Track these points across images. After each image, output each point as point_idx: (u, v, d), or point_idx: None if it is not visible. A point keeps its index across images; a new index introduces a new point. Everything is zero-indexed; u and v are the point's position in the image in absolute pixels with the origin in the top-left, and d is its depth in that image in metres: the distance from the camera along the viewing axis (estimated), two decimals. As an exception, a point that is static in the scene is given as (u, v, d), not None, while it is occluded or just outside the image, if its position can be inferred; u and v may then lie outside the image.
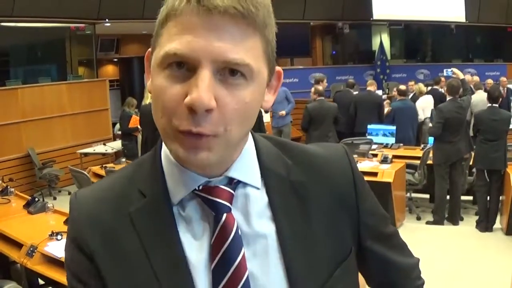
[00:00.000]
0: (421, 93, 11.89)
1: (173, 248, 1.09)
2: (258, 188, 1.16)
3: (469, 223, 8.42)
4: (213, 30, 0.96)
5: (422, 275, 1.44)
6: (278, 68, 1.14)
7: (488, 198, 8.09)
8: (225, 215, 1.10)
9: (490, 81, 13.19)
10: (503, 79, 13.80)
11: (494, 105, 7.95)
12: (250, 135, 1.18)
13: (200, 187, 1.10)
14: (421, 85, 12.31)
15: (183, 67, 0.98)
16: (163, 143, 1.16)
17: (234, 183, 1.13)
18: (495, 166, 7.88)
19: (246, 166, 1.15)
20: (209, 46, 0.96)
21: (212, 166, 1.06)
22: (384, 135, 10.17)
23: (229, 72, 0.99)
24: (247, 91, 1.01)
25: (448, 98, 8.38)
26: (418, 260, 1.44)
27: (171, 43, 0.98)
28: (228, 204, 1.11)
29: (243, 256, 1.09)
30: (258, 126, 9.47)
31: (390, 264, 1.35)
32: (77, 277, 1.16)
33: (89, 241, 1.12)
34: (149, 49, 1.10)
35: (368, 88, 11.71)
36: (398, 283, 1.39)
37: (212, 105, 0.96)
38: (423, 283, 1.44)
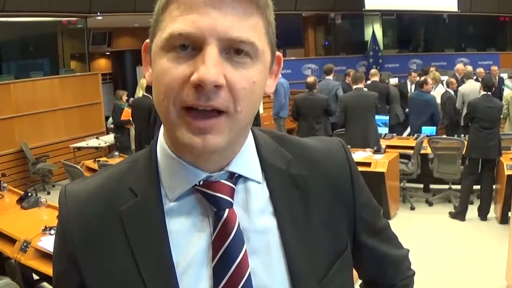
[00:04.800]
0: (436, 82, 11.72)
1: (161, 251, 1.07)
2: (259, 182, 1.15)
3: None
4: (218, 8, 0.96)
5: (417, 265, 1.44)
6: (278, 53, 1.12)
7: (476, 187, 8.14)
8: (227, 210, 1.08)
9: (481, 70, 13.17)
10: (494, 68, 13.81)
11: (488, 93, 7.97)
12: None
13: (201, 182, 1.08)
14: (436, 73, 12.04)
15: (188, 48, 0.97)
16: (159, 139, 1.15)
17: (235, 178, 1.11)
18: (490, 155, 7.89)
19: (247, 160, 1.13)
20: (215, 24, 0.95)
21: (219, 152, 1.03)
22: (377, 125, 10.14)
23: (234, 51, 0.98)
24: (253, 70, 1.00)
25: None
26: (408, 251, 1.45)
27: (175, 24, 0.97)
28: (229, 199, 1.09)
29: (245, 252, 1.08)
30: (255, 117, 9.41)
31: (383, 257, 1.35)
32: (60, 273, 1.17)
33: (75, 239, 1.11)
34: (147, 40, 1.08)
35: (373, 79, 11.43)
36: (389, 274, 1.39)
37: (221, 81, 0.95)
38: (413, 274, 1.44)
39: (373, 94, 9.07)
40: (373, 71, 11.96)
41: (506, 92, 10.38)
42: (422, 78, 10.76)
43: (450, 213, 8.24)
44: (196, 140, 0.97)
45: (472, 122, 8.00)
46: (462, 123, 9.01)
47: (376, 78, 11.42)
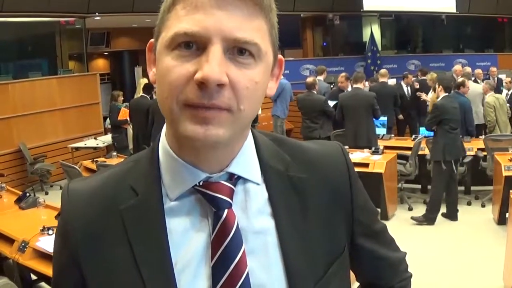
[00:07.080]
0: (434, 83, 11.66)
1: (161, 249, 1.08)
2: (258, 184, 1.16)
3: (460, 212, 8.40)
4: (223, 9, 0.97)
5: (415, 265, 1.45)
6: (280, 56, 1.14)
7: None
8: (226, 211, 1.09)
9: (479, 71, 13.16)
10: (493, 69, 13.83)
11: (449, 94, 8.05)
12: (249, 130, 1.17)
13: (201, 183, 1.09)
14: (433, 74, 11.92)
15: (192, 47, 0.98)
16: (161, 139, 1.16)
17: (234, 179, 1.12)
18: (459, 155, 8.01)
19: (247, 161, 1.14)
20: (220, 24, 0.97)
21: (220, 147, 1.04)
22: (376, 126, 10.13)
23: (238, 51, 0.99)
24: (256, 70, 1.01)
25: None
26: (405, 253, 1.45)
27: (180, 23, 0.98)
28: (229, 199, 1.10)
29: (244, 252, 1.09)
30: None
31: (380, 259, 1.36)
32: (61, 269, 1.18)
33: (77, 237, 1.12)
34: (151, 40, 1.10)
35: (381, 80, 11.32)
36: (386, 277, 1.40)
37: (224, 79, 0.96)
38: (410, 276, 1.45)
39: (371, 94, 9.09)
40: (382, 71, 11.85)
41: (488, 98, 10.33)
42: (460, 80, 10.25)
43: (442, 213, 8.20)
44: (198, 130, 0.98)
45: (439, 125, 7.90)
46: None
47: (385, 79, 11.34)
